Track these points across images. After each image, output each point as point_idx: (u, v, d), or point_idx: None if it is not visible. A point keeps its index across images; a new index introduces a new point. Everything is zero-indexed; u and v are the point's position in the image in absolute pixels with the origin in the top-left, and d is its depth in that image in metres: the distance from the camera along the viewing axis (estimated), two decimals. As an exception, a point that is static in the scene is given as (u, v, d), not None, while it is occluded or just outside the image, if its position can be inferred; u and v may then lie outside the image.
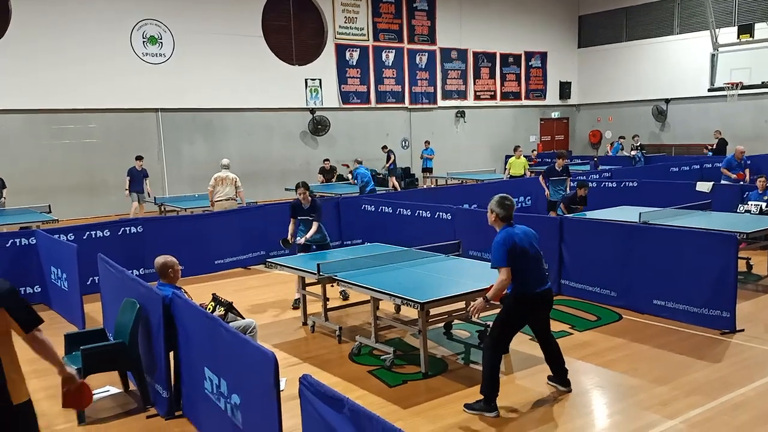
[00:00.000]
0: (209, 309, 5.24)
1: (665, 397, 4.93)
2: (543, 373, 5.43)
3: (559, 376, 5.08)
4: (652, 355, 5.83)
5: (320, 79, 19.81)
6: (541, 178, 11.69)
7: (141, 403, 5.05)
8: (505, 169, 16.57)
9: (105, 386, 5.42)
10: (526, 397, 5.01)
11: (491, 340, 4.83)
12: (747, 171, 12.46)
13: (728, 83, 19.83)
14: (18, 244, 8.12)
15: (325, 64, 19.90)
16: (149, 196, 14.26)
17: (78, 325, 6.95)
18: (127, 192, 14.07)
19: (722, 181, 12.13)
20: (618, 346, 6.10)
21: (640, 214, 8.41)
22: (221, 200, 11.08)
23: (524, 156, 16.23)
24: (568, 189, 11.34)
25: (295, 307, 7.57)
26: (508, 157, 22.58)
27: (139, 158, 14.40)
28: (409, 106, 21.93)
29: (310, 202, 7.83)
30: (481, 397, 4.73)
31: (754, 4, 20.67)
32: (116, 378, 5.38)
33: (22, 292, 8.20)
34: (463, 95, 23.23)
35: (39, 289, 8.24)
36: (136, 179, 14.12)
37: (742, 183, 11.76)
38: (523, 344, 5.97)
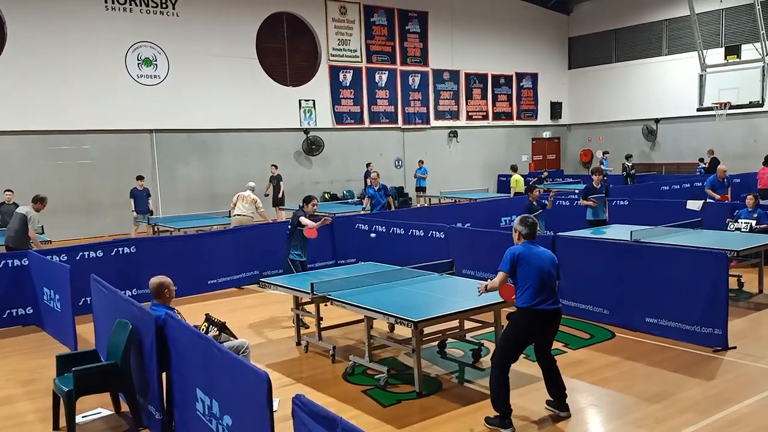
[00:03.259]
0: (202, 329, 5.21)
1: (659, 414, 4.94)
2: (537, 391, 5.43)
3: (558, 399, 5.01)
4: (645, 372, 5.84)
5: (314, 100, 19.97)
6: (582, 200, 10.72)
7: (133, 425, 5.00)
8: (511, 187, 16.72)
9: (97, 408, 5.37)
10: (520, 417, 4.99)
11: (496, 356, 4.91)
12: (729, 189, 12.57)
13: (717, 103, 20.11)
14: (10, 265, 8.08)
15: (318, 86, 20.07)
16: (152, 215, 14.30)
17: (70, 346, 6.90)
18: (135, 213, 14.14)
19: (708, 200, 12.24)
20: (611, 364, 6.10)
21: (631, 232, 8.47)
22: (238, 215, 11.55)
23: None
24: (606, 209, 10.66)
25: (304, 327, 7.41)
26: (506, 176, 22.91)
27: (139, 178, 14.54)
28: (402, 127, 22.10)
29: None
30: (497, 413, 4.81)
31: (741, 26, 21.07)
32: (108, 400, 5.34)
33: (14, 314, 8.15)
34: (455, 115, 23.44)
35: (31, 311, 8.19)
36: (139, 199, 14.19)
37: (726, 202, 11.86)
38: (517, 363, 5.94)
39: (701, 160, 20.66)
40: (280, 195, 16.66)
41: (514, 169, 17.27)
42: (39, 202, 9.43)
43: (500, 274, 4.87)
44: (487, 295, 5.55)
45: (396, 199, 20.77)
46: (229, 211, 11.93)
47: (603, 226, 10.28)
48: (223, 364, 3.84)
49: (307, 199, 8.06)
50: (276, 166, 17.21)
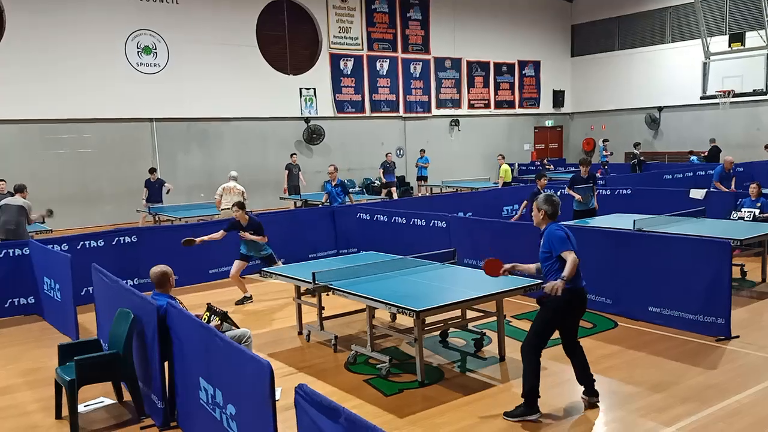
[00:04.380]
0: (204, 319, 5.21)
1: (661, 404, 4.93)
2: (541, 380, 5.42)
3: (587, 386, 4.97)
4: (647, 362, 5.83)
5: (315, 89, 19.87)
6: (567, 188, 10.80)
7: (135, 414, 5.01)
8: (500, 177, 16.61)
9: (99, 397, 5.38)
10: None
11: (533, 341, 4.82)
12: (733, 180, 12.51)
13: (720, 91, 20.01)
14: (11, 254, 8.07)
15: (319, 74, 19.96)
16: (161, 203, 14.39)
17: (71, 336, 6.91)
18: (144, 202, 14.23)
19: (712, 189, 12.18)
20: (614, 353, 6.10)
21: (634, 221, 8.44)
22: (226, 209, 11.30)
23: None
24: (595, 199, 10.66)
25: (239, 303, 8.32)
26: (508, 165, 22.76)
27: (152, 171, 14.68)
28: (404, 115, 22.01)
29: (248, 220, 8.21)
30: (521, 401, 4.76)
31: (745, 13, 20.88)
32: (110, 389, 5.35)
33: (16, 304, 8.16)
34: (457, 104, 23.33)
35: (33, 300, 8.19)
36: (152, 190, 14.27)
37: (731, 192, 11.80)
38: (519, 352, 5.94)
39: (691, 152, 20.60)
40: (304, 184, 16.68)
41: (502, 157, 17.09)
42: (25, 190, 9.56)
43: (572, 255, 4.60)
44: (489, 284, 5.53)
45: (398, 188, 20.75)
46: (217, 206, 11.84)
47: (590, 216, 10.24)
48: (226, 354, 3.83)
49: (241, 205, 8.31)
50: (295, 155, 17.25)
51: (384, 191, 17.70)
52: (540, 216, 4.89)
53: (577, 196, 10.51)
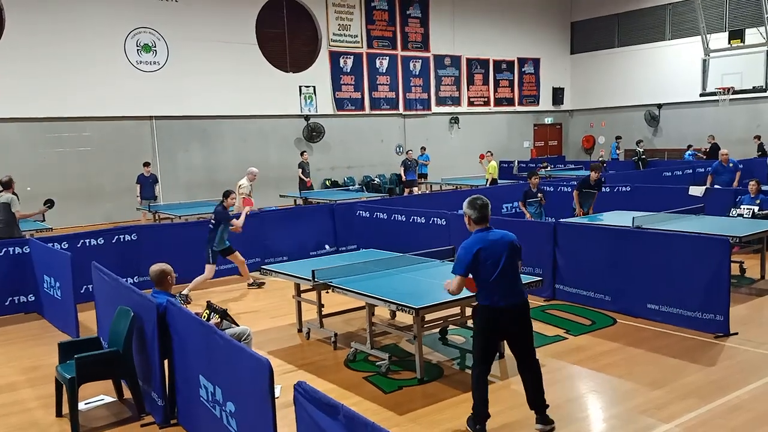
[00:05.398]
0: (204, 316, 5.22)
1: (660, 400, 4.94)
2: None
3: (539, 413, 4.50)
4: (646, 359, 5.84)
5: (314, 86, 19.86)
6: (575, 192, 10.81)
7: (136, 412, 5.02)
8: (489, 173, 16.65)
9: (99, 395, 5.40)
10: (521, 403, 4.99)
11: (474, 358, 4.64)
12: (738, 174, 12.50)
13: (720, 88, 20.01)
14: (11, 252, 8.08)
15: (319, 72, 19.95)
16: (155, 201, 14.40)
17: (71, 334, 6.92)
18: (139, 199, 14.19)
19: (714, 185, 12.20)
20: (612, 350, 6.11)
21: (633, 218, 8.45)
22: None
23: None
24: (592, 206, 10.63)
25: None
26: (507, 162, 22.71)
27: (146, 164, 14.71)
28: (404, 113, 22.00)
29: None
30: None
31: (744, 10, 20.86)
32: (111, 387, 5.36)
33: (17, 302, 8.17)
34: (456, 101, 23.32)
35: (33, 298, 8.20)
36: (146, 185, 14.27)
37: (734, 186, 11.83)
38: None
39: (690, 146, 20.57)
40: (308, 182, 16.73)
41: (491, 154, 17.15)
42: (11, 185, 9.49)
43: (457, 279, 4.40)
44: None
45: (397, 186, 20.76)
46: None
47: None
48: (225, 351, 3.84)
49: (226, 194, 8.67)
50: (306, 152, 17.25)
51: (407, 190, 17.81)
52: (466, 222, 4.49)
53: (577, 209, 10.60)
